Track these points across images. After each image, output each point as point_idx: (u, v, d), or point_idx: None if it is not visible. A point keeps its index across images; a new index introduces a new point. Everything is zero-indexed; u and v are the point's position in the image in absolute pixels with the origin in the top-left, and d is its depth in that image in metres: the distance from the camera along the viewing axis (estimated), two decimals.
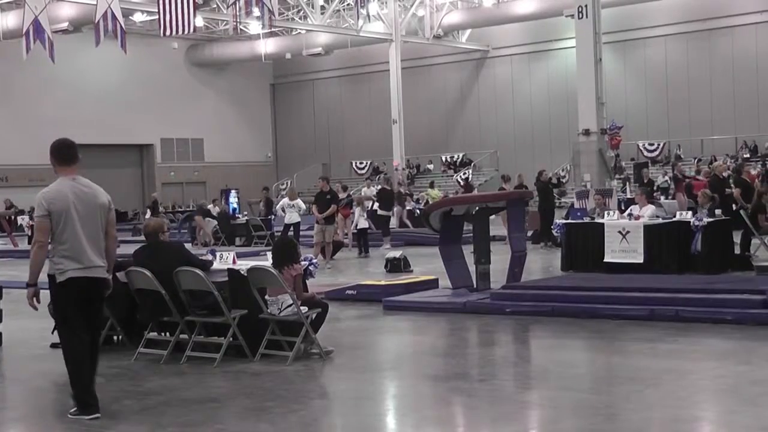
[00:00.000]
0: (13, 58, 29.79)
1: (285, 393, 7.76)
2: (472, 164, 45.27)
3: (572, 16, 25.58)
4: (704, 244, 14.67)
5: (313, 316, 9.11)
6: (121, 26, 24.84)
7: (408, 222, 28.48)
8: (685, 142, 40.41)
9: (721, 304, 10.58)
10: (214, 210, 28.86)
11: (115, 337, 10.12)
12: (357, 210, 21.74)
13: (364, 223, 21.54)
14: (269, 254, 9.62)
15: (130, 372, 8.83)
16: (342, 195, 22.49)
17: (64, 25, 33.89)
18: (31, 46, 24.77)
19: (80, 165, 7.16)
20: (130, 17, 36.93)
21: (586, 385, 7.97)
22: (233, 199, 43.77)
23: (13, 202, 35.28)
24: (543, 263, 18.10)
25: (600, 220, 15.92)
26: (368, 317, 12.10)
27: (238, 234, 27.77)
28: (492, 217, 14.67)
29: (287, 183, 44.31)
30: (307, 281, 9.71)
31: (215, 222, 28.00)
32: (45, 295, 7.13)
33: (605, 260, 15.18)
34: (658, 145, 40.75)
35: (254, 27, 40.30)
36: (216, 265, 9.67)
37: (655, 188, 28.32)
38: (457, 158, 46.23)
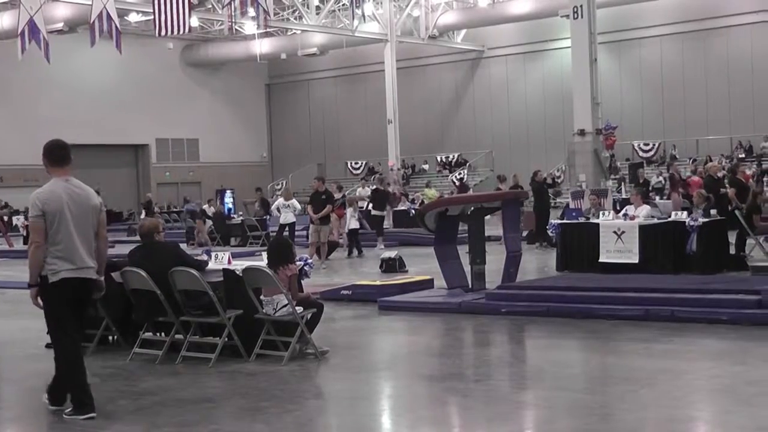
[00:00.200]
0: (8, 59, 29.74)
1: (280, 393, 7.75)
2: (468, 164, 45.24)
3: (567, 16, 25.57)
4: (699, 244, 14.68)
5: (309, 316, 9.11)
6: (116, 26, 24.78)
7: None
8: (681, 142, 40.46)
9: (716, 304, 10.60)
10: (210, 210, 28.89)
11: (110, 338, 10.10)
12: (349, 210, 21.73)
13: (355, 224, 21.53)
14: (264, 254, 9.60)
15: (126, 372, 8.81)
16: (337, 195, 22.48)
17: (60, 25, 33.92)
18: (27, 47, 24.70)
19: (73, 166, 7.17)
20: (126, 17, 36.98)
21: (581, 385, 7.97)
22: (228, 200, 43.80)
23: (7, 203, 35.28)
24: (538, 263, 18.10)
25: (595, 221, 15.92)
26: (363, 317, 12.10)
27: (233, 234, 27.79)
28: (487, 217, 14.69)
29: (282, 183, 44.28)
30: (302, 281, 9.72)
31: (210, 222, 28.04)
32: None
33: (600, 260, 15.19)
34: (654, 145, 40.76)
35: (249, 27, 40.28)
36: (211, 266, 9.66)
37: (650, 188, 28.32)
38: (453, 158, 46.20)
